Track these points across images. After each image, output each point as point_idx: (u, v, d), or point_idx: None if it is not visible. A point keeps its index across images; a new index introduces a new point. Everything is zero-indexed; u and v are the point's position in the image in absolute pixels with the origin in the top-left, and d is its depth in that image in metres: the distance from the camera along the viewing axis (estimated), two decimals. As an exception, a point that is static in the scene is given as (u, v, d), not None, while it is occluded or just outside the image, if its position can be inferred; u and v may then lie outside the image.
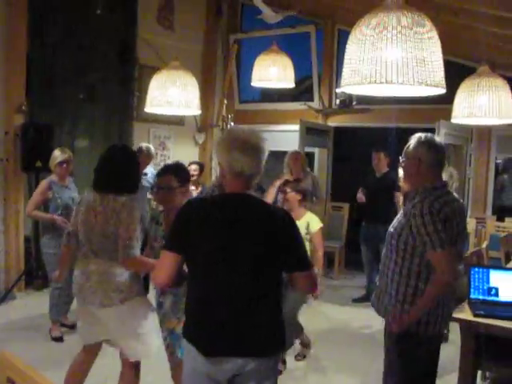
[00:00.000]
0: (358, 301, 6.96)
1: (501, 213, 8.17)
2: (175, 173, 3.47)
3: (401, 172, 4.44)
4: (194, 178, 7.43)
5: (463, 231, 2.98)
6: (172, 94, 5.32)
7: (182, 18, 8.95)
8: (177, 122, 8.87)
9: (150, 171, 6.97)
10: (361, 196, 6.90)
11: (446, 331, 4.69)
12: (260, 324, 2.33)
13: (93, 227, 3.37)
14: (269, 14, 7.57)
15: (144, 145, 6.96)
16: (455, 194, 3.08)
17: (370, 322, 5.73)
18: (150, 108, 5.47)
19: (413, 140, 3.00)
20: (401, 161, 3.06)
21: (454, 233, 2.84)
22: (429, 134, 3.01)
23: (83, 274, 3.39)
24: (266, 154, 2.43)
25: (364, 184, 7.00)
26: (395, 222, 3.02)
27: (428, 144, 2.94)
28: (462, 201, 3.09)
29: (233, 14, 9.92)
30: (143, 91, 6.83)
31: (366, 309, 5.85)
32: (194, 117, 8.98)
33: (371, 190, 6.84)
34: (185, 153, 8.79)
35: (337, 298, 7.19)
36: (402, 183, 4.42)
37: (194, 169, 7.42)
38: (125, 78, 8.17)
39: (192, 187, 7.39)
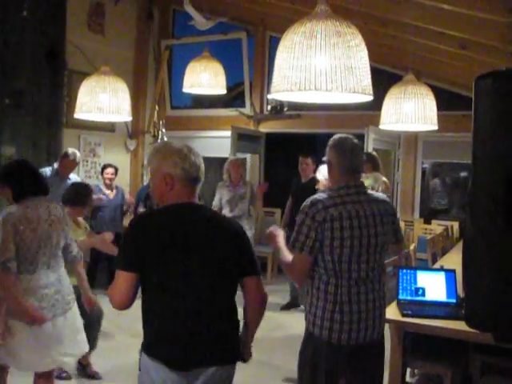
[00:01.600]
0: (285, 308, 6.98)
1: (432, 215, 8.46)
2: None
3: (318, 175, 4.51)
4: (108, 181, 7.36)
5: (360, 235, 2.73)
6: (102, 99, 5.26)
7: (113, 22, 8.82)
8: (108, 128, 8.73)
9: (74, 177, 6.72)
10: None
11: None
12: (226, 332, 2.39)
13: (49, 236, 3.36)
14: (200, 21, 7.59)
15: (70, 150, 6.72)
16: (385, 197, 2.99)
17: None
18: (79, 114, 5.38)
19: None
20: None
21: (341, 235, 2.68)
22: (343, 136, 2.88)
23: (49, 288, 3.35)
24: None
25: (290, 189, 7.02)
26: None
27: (336, 147, 2.84)
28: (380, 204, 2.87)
29: (164, 20, 9.85)
30: (73, 97, 6.69)
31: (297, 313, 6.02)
32: (125, 123, 8.86)
33: (297, 195, 6.86)
34: (116, 159, 8.64)
35: (270, 304, 7.22)
36: (319, 186, 4.36)
37: (110, 172, 7.34)
38: (53, 83, 7.94)
39: (107, 191, 7.30)
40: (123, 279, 2.28)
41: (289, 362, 4.20)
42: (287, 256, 2.85)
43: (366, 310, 2.78)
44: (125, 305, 2.31)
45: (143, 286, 2.33)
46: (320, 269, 2.77)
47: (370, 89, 2.88)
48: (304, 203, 2.78)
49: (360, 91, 2.80)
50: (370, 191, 2.97)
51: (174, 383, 2.29)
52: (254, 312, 2.51)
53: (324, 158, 2.97)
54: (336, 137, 2.89)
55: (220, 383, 2.38)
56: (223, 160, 7.77)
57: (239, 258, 2.40)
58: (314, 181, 6.73)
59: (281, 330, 6.15)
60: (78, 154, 6.60)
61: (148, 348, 2.34)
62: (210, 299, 2.33)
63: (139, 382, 2.41)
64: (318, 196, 2.81)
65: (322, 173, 3.76)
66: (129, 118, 5.83)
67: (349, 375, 2.92)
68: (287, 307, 6.93)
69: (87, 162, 8.53)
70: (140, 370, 2.37)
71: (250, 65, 9.14)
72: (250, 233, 6.79)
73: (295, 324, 5.98)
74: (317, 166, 6.88)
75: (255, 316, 2.52)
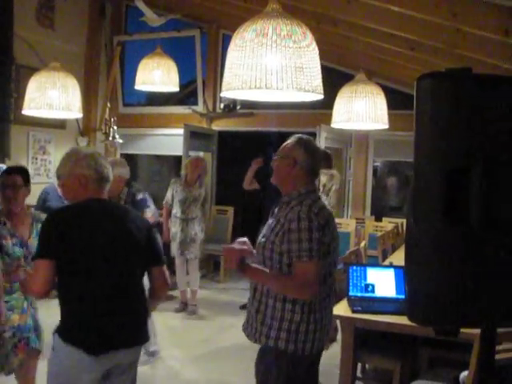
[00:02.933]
0: (244, 307, 6.98)
1: (379, 213, 8.59)
2: (21, 173, 3.58)
3: None
4: None
5: (337, 237, 2.73)
6: (52, 96, 5.15)
7: (64, 17, 8.64)
8: (58, 125, 8.56)
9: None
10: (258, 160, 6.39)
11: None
12: (137, 315, 2.64)
13: None
14: (151, 17, 7.51)
15: None
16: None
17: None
18: (28, 111, 5.26)
19: (291, 139, 2.78)
20: (273, 159, 2.80)
21: (332, 237, 2.61)
22: (310, 137, 2.82)
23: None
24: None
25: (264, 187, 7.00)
26: (265, 230, 2.73)
27: (306, 146, 2.71)
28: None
29: (117, 15, 9.72)
30: (21, 93, 6.53)
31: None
32: (76, 120, 8.71)
33: (270, 194, 6.86)
34: (67, 157, 8.48)
35: (223, 302, 7.25)
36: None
37: None
38: (0, 78, 7.76)
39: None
40: (41, 267, 2.47)
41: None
42: (275, 276, 2.61)
43: (330, 313, 2.76)
44: (44, 291, 2.47)
45: (59, 273, 2.49)
46: None
47: (320, 88, 2.91)
48: (303, 210, 2.55)
49: (311, 90, 2.82)
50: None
51: (86, 367, 2.43)
52: (157, 294, 2.81)
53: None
54: (302, 136, 2.77)
55: (130, 364, 2.64)
56: (176, 158, 7.72)
57: (148, 248, 2.68)
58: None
59: (235, 328, 6.16)
60: None
61: (63, 332, 2.49)
62: (121, 284, 2.56)
63: (49, 362, 2.56)
64: (305, 200, 2.63)
65: None
66: (79, 115, 5.73)
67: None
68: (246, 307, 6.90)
69: (36, 159, 8.35)
70: (53, 350, 2.51)
71: (203, 62, 9.11)
72: (201, 236, 6.70)
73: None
74: (266, 165, 6.91)
75: (158, 296, 2.83)
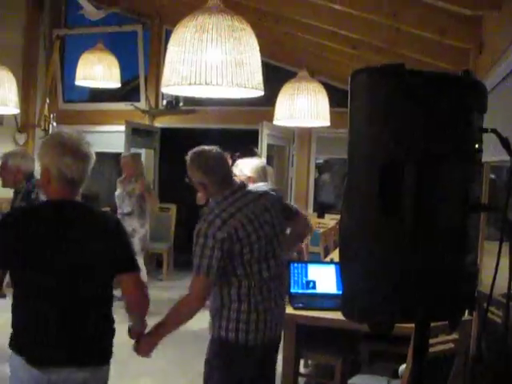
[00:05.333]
0: None
1: (321, 210, 8.68)
2: None
3: (235, 170, 4.39)
4: None
5: (264, 233, 2.72)
6: (-14, 90, 4.98)
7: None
8: (-6, 120, 8.31)
9: None
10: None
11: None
12: (91, 333, 2.35)
13: None
14: (90, 10, 7.34)
15: None
16: (265, 188, 2.92)
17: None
18: (-40, 105, 5.07)
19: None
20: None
21: (249, 241, 2.64)
22: (198, 150, 2.83)
23: None
24: (93, 160, 2.41)
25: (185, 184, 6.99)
26: None
27: (200, 165, 2.77)
28: (272, 193, 2.89)
29: (56, 8, 9.46)
30: (-46, 87, 6.29)
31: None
32: (14, 116, 8.44)
33: None
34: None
35: (167, 300, 7.18)
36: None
37: None
38: None
39: None
40: None
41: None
42: (168, 316, 2.70)
43: (275, 306, 2.79)
44: None
45: (13, 282, 2.31)
46: (231, 277, 2.67)
47: (261, 84, 2.91)
48: (199, 225, 2.62)
49: (251, 87, 2.81)
50: (250, 187, 2.88)
51: (33, 378, 2.25)
52: (132, 308, 2.49)
53: (237, 154, 2.88)
54: (193, 156, 2.81)
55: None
56: (117, 155, 7.60)
57: (113, 254, 2.36)
58: None
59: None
60: None
61: (11, 341, 2.33)
62: (75, 299, 2.30)
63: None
64: (211, 213, 2.66)
65: (240, 168, 3.61)
66: (16, 111, 5.58)
67: (256, 375, 2.84)
68: None
69: (-29, 156, 8.05)
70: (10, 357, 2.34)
71: (145, 58, 9.00)
72: (142, 231, 6.70)
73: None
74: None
75: (136, 312, 2.51)
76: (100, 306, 2.40)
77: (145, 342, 2.63)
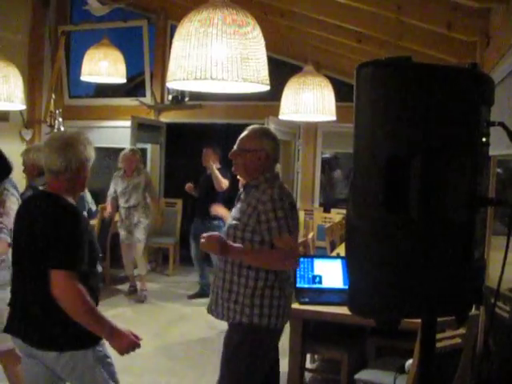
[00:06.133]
0: (193, 297, 6.99)
1: (328, 205, 8.66)
2: None
3: None
4: None
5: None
6: (-9, 86, 4.99)
7: (6, 5, 8.32)
8: (0, 116, 8.29)
9: None
10: (189, 185, 6.95)
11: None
12: (37, 319, 2.43)
13: None
14: (95, 6, 7.32)
15: None
16: None
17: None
18: (-34, 101, 5.08)
19: (250, 132, 2.93)
20: (236, 152, 2.92)
21: (297, 219, 2.93)
22: (266, 126, 3.07)
23: None
24: (83, 152, 2.49)
25: (197, 181, 7.03)
26: (235, 213, 2.91)
27: (272, 136, 2.94)
28: None
29: (61, 4, 9.45)
30: (-40, 83, 6.29)
31: (202, 305, 6.02)
32: (20, 112, 8.45)
33: (202, 187, 6.88)
34: (10, 150, 8.17)
35: (172, 295, 7.20)
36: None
37: None
38: None
39: None
40: None
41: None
42: (259, 251, 2.81)
43: (290, 295, 2.99)
44: None
45: None
46: None
47: (266, 79, 2.89)
48: (275, 192, 2.78)
49: (257, 81, 2.80)
50: None
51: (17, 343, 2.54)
52: (63, 304, 2.34)
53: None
54: (261, 126, 3.01)
55: (58, 368, 2.46)
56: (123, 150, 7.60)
57: (46, 248, 2.35)
58: (220, 172, 6.72)
59: (184, 321, 6.13)
60: None
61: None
62: (23, 285, 2.49)
63: None
64: (273, 182, 2.86)
65: None
66: (22, 107, 5.57)
67: (275, 358, 3.09)
68: (195, 296, 6.93)
69: (-22, 152, 8.07)
70: None
71: (150, 53, 8.98)
72: (145, 222, 6.96)
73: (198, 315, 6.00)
74: (219, 157, 6.87)
75: (68, 310, 2.33)
76: (42, 293, 2.35)
77: (224, 248, 2.70)
